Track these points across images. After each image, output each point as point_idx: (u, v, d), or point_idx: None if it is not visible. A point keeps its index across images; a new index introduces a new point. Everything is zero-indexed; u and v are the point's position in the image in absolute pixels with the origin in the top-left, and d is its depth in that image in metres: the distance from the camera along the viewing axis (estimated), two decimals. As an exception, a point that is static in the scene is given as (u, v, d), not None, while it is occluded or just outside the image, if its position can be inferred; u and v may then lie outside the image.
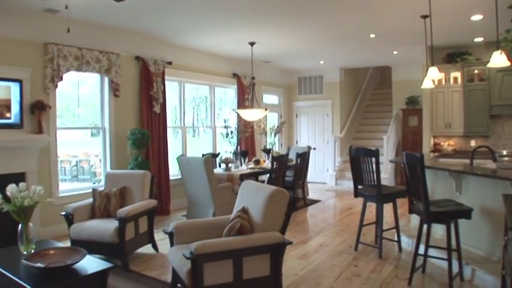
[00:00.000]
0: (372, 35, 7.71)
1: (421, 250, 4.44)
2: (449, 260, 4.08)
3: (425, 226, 4.38)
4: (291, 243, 3.76)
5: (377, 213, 5.49)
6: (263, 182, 7.18)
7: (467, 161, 5.14)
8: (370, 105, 13.31)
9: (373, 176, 5.14)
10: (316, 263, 5.13)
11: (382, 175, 5.28)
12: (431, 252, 4.61)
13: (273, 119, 12.09)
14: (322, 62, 10.94)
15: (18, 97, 5.84)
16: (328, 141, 11.84)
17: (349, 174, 10.21)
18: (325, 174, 11.91)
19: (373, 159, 5.11)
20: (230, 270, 3.52)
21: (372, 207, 5.83)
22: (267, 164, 8.33)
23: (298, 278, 4.62)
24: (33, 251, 3.75)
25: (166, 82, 8.14)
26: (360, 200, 5.61)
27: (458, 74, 8.54)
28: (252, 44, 8.26)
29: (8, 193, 3.73)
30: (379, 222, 5.37)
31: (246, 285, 3.61)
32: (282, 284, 3.82)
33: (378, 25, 7.06)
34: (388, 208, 5.66)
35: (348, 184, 10.46)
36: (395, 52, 9.42)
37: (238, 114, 9.26)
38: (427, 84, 6.48)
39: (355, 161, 5.39)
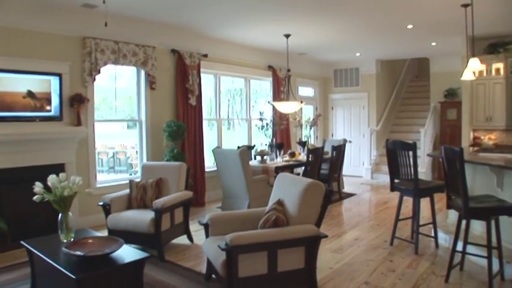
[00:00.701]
0: (410, 26, 7.54)
1: (459, 247, 4.31)
2: (489, 258, 3.93)
3: (463, 222, 4.26)
4: (326, 236, 3.74)
5: (413, 208, 5.39)
6: (298, 174, 7.14)
7: (510, 155, 4.98)
8: (407, 97, 13.05)
9: (410, 170, 5.04)
10: (351, 257, 5.08)
11: (419, 169, 5.16)
12: (470, 249, 4.47)
13: (308, 112, 12.01)
14: (358, 54, 10.79)
15: (58, 90, 5.98)
16: (364, 134, 11.70)
17: (385, 168, 10.16)
18: (360, 167, 11.78)
19: (411, 153, 5.01)
20: (265, 262, 3.53)
21: (408, 201, 5.71)
22: (302, 156, 8.29)
23: (332, 271, 4.59)
24: (72, 239, 3.86)
25: (201, 75, 8.16)
26: (396, 194, 5.52)
27: (500, 65, 8.24)
28: (287, 36, 8.20)
29: (49, 183, 3.84)
30: (415, 217, 5.27)
31: (280, 277, 3.61)
32: (316, 277, 3.81)
33: (416, 15, 6.89)
34: (424, 203, 5.54)
35: (384, 178, 10.32)
36: (433, 43, 9.19)
37: (273, 107, 9.24)
38: (468, 75, 6.30)
39: (391, 154, 5.30)
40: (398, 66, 12.95)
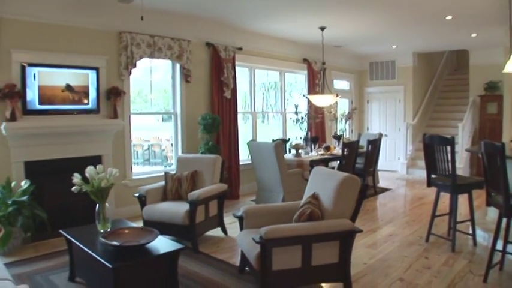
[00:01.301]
0: (449, 17, 7.34)
1: (499, 246, 4.17)
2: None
3: (504, 220, 4.12)
4: (361, 231, 3.70)
5: (451, 204, 5.26)
6: (333, 168, 7.09)
7: (553, 151, 4.80)
8: (445, 91, 12.75)
9: (448, 165, 4.92)
10: (385, 252, 5.00)
11: (457, 165, 5.03)
12: (510, 248, 4.34)
13: (343, 105, 11.89)
14: (394, 47, 10.59)
15: (95, 84, 6.10)
16: (400, 128, 11.50)
17: (421, 163, 9.97)
18: (396, 162, 11.58)
19: (449, 148, 4.89)
20: (299, 256, 3.51)
21: (445, 197, 5.59)
22: (337, 150, 8.22)
23: (366, 267, 4.53)
24: (109, 229, 3.93)
25: (236, 68, 8.17)
26: (432, 190, 5.41)
27: (546, 58, 7.93)
28: (322, 28, 8.12)
29: (87, 175, 3.92)
30: (452, 214, 5.13)
31: (314, 271, 3.60)
32: (350, 272, 3.77)
33: (455, 6, 6.70)
34: (462, 199, 5.42)
35: (420, 173, 10.12)
36: (473, 34, 8.92)
37: (308, 100, 9.18)
38: (510, 68, 6.09)
39: (429, 149, 5.18)
40: (436, 59, 12.66)
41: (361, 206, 3.84)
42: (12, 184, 5.23)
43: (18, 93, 5.36)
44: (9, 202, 4.97)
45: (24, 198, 5.05)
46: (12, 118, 5.32)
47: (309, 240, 3.52)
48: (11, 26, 5.46)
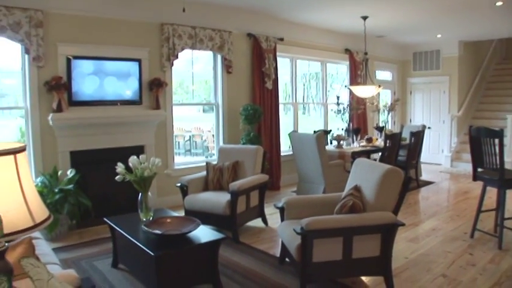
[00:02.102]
0: (499, 3, 7.03)
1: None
2: None
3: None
4: (403, 224, 3.62)
5: (498, 200, 5.07)
6: (375, 160, 6.98)
7: None
8: (493, 81, 12.31)
9: (496, 158, 4.74)
10: (428, 247, 4.88)
11: (505, 158, 4.85)
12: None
13: (386, 96, 11.67)
14: (439, 36, 10.29)
15: (137, 75, 6.19)
16: (444, 120, 11.19)
17: (466, 156, 9.69)
18: (439, 155, 11.30)
19: (497, 141, 4.71)
20: (340, 248, 3.48)
21: (491, 192, 5.40)
22: (379, 142, 8.09)
23: (407, 261, 4.44)
24: (151, 218, 4.00)
25: (278, 58, 8.13)
26: (478, 184, 5.24)
27: None
28: (364, 18, 7.97)
29: (130, 164, 3.99)
30: (500, 210, 4.94)
31: (354, 264, 3.56)
32: (391, 266, 3.71)
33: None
34: (510, 194, 5.22)
35: (465, 166, 9.84)
36: (525, 21, 8.55)
37: (350, 91, 9.06)
38: None
39: (475, 142, 5.01)
40: (483, 48, 12.21)
41: (404, 199, 3.77)
42: (59, 173, 5.41)
43: (64, 85, 5.52)
44: (56, 190, 5.14)
45: (70, 186, 5.21)
46: (59, 109, 5.48)
47: (350, 232, 3.48)
48: (56, 20, 5.62)
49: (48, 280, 1.33)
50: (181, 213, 5.19)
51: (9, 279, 1.27)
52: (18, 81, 5.67)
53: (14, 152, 1.65)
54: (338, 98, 8.47)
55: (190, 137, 12.46)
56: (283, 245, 4.11)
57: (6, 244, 1.64)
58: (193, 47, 6.87)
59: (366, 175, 3.92)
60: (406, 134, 8.20)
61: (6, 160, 1.62)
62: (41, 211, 1.75)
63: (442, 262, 4.42)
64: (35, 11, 5.31)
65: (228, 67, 7.38)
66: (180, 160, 8.22)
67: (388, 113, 9.77)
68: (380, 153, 7.49)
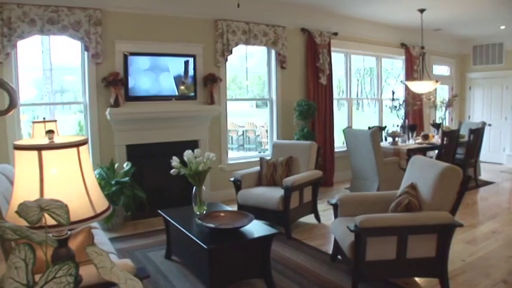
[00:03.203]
0: None
1: None
2: None
3: None
4: (461, 225, 3.48)
5: None
6: (431, 158, 6.78)
7: None
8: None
9: None
10: (487, 251, 4.65)
11: None
12: None
13: (443, 92, 11.30)
14: (502, 27, 9.77)
15: (192, 71, 6.29)
16: (507, 117, 10.70)
17: (531, 155, 9.24)
18: (500, 153, 10.81)
19: None
20: (394, 248, 3.40)
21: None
22: (436, 139, 7.86)
23: (465, 264, 4.26)
24: (205, 212, 4.05)
25: (332, 53, 8.03)
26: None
27: None
28: (421, 11, 7.72)
29: (185, 158, 4.06)
30: None
31: (408, 264, 3.46)
32: (447, 268, 3.59)
33: None
34: None
35: (529, 166, 9.39)
36: None
37: (406, 86, 8.84)
38: None
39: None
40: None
41: (462, 199, 3.63)
42: (116, 166, 5.58)
43: (121, 80, 5.70)
44: (113, 182, 5.31)
45: (126, 179, 5.36)
46: (116, 104, 5.66)
47: (405, 231, 3.39)
48: (114, 18, 5.83)
49: (111, 268, 1.37)
50: (234, 208, 5.23)
51: (76, 265, 1.32)
52: (78, 77, 5.94)
53: (77, 144, 1.71)
54: (393, 93, 8.28)
55: (243, 132, 12.53)
56: (335, 242, 4.06)
57: (69, 232, 1.71)
58: (247, 43, 6.90)
59: (423, 173, 3.81)
60: (464, 131, 7.92)
61: (70, 152, 1.69)
62: (100, 202, 1.81)
63: (502, 267, 4.16)
64: (94, 10, 5.53)
65: (282, 62, 7.36)
66: (234, 155, 8.29)
67: (446, 110, 9.45)
68: (437, 151, 7.27)
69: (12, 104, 1.94)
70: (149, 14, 6.06)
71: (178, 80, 6.19)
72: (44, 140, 1.72)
